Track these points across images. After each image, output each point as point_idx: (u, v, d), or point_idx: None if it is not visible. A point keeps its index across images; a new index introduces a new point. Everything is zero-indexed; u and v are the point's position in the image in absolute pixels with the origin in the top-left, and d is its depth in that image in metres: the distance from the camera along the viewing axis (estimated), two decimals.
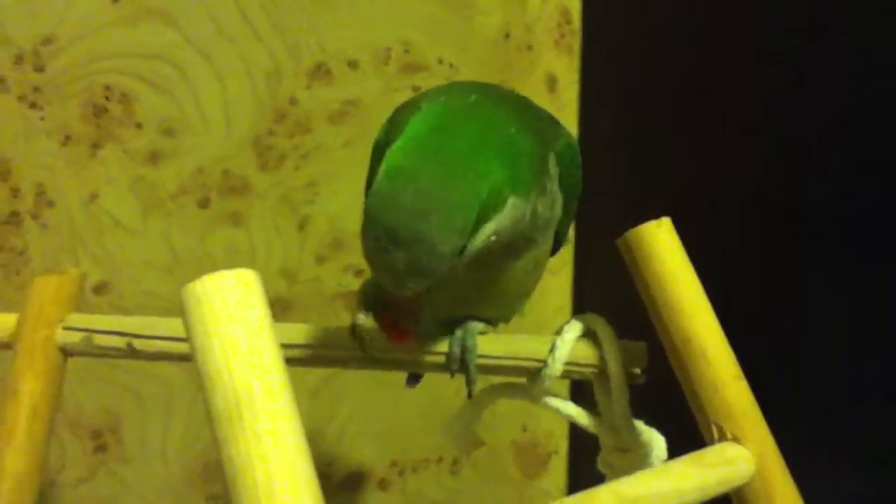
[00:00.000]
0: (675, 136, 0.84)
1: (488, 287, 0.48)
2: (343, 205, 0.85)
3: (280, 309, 0.83)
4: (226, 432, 0.31)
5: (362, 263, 0.87)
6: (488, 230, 0.40)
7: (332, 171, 0.84)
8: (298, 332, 0.51)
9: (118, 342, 0.51)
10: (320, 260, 0.85)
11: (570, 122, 0.98)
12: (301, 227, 0.83)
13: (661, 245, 0.46)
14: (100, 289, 0.75)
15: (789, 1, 0.68)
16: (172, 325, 0.51)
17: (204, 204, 0.78)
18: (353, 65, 0.83)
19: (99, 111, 0.72)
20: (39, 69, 0.69)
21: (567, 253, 1.00)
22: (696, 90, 0.80)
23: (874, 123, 0.61)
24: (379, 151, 0.48)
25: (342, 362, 0.51)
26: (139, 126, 0.74)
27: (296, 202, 0.83)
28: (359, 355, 0.51)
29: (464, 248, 0.39)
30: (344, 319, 0.87)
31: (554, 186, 0.46)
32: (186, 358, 0.52)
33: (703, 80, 0.79)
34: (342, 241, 0.86)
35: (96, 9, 0.71)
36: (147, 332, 0.51)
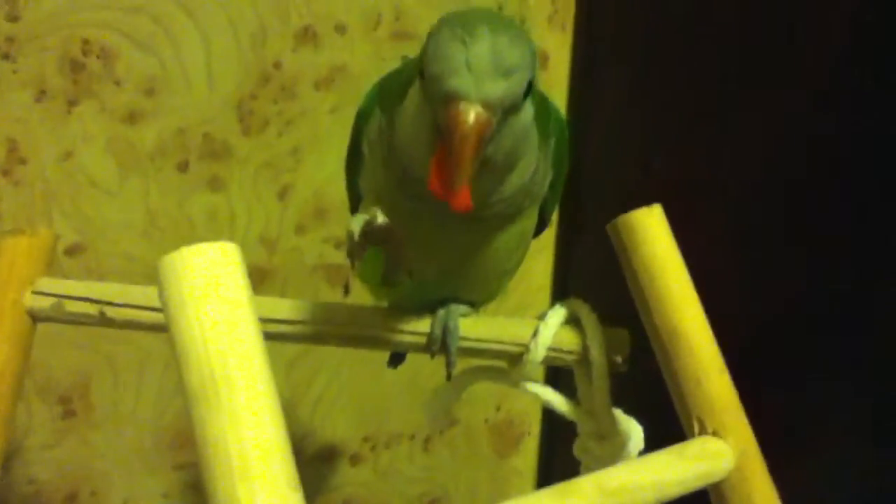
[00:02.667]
0: (666, 120, 0.83)
1: (473, 261, 0.47)
2: (327, 174, 0.83)
3: (258, 278, 0.82)
4: (200, 410, 0.30)
5: (344, 235, 0.86)
6: (531, 107, 0.38)
7: (317, 138, 0.82)
8: (278, 306, 0.49)
9: (90, 309, 0.49)
10: (301, 230, 0.83)
11: (560, 100, 0.97)
12: (282, 195, 0.82)
13: (651, 233, 0.45)
14: (73, 251, 0.73)
15: None
16: (147, 294, 0.50)
17: (183, 166, 0.76)
18: (340, 29, 0.81)
19: (76, 66, 0.69)
20: (14, 18, 0.66)
21: (549, 234, 0.99)
22: (690, 73, 0.79)
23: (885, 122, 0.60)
24: (363, 119, 0.46)
25: (323, 339, 0.50)
26: (118, 83, 0.71)
27: (278, 169, 0.81)
28: (340, 332, 0.49)
29: (527, 90, 0.36)
30: (323, 292, 0.86)
31: (549, 156, 0.45)
32: (160, 328, 0.50)
33: (697, 62, 0.78)
34: (324, 210, 0.84)
35: None
36: (120, 300, 0.49)
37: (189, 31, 0.73)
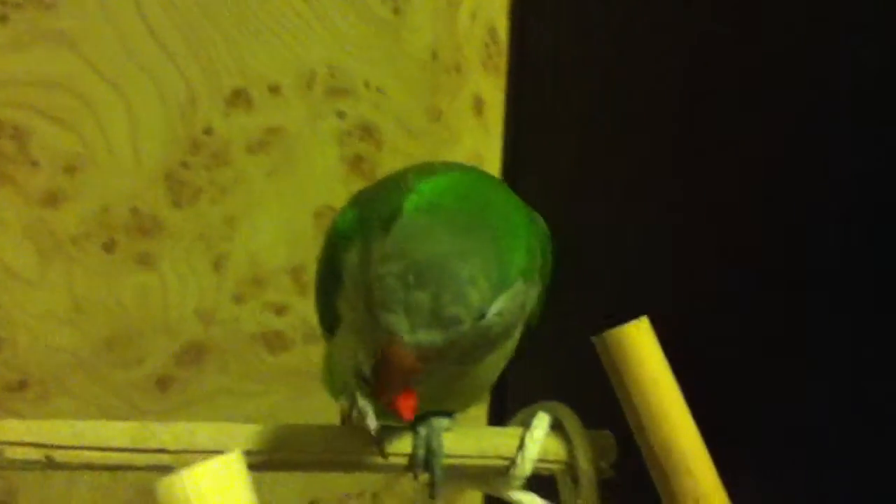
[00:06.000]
0: (606, 162, 0.82)
1: (458, 381, 0.45)
2: (264, 240, 0.79)
3: (195, 354, 0.77)
4: None
5: (284, 300, 0.82)
6: (501, 303, 0.36)
7: (253, 204, 0.78)
8: (249, 435, 0.46)
9: (35, 454, 0.44)
10: (239, 299, 0.79)
11: (495, 145, 0.95)
12: (218, 265, 0.77)
13: (641, 348, 0.44)
14: None
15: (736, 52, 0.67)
16: (98, 431, 0.45)
17: (110, 246, 0.70)
18: (274, 90, 0.76)
19: None
20: None
21: None
22: (627, 112, 0.78)
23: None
24: (342, 241, 0.43)
25: (298, 466, 0.47)
26: (35, 164, 0.65)
27: (212, 239, 0.76)
28: (316, 458, 0.47)
29: (483, 314, 0.35)
30: (265, 361, 0.82)
31: (537, 276, 0.43)
32: (114, 468, 0.46)
33: (634, 102, 0.77)
34: (262, 278, 0.80)
35: None
36: (69, 442, 0.45)
37: (112, 102, 0.68)
